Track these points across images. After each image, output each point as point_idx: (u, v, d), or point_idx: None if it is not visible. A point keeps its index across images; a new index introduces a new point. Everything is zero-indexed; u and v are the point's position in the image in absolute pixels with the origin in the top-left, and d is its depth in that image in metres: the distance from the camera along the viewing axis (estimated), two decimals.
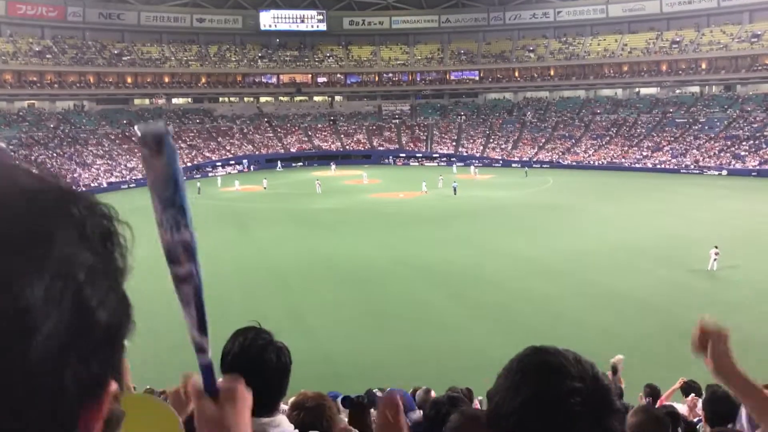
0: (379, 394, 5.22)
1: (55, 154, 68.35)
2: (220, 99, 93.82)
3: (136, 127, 1.19)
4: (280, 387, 2.35)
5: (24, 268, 0.60)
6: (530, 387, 1.18)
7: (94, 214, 0.69)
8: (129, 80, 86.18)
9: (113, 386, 0.70)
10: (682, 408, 8.54)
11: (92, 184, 63.74)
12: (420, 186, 54.83)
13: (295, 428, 2.59)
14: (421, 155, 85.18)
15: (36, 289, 0.60)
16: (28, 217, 0.63)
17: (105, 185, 64.07)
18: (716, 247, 26.95)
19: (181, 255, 1.23)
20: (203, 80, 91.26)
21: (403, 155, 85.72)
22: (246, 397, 1.36)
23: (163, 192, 1.18)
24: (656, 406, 8.19)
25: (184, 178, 1.19)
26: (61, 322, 0.61)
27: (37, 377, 0.60)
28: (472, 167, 70.78)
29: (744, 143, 68.69)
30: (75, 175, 64.09)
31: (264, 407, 2.27)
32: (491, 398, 1.26)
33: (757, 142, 67.99)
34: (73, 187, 0.66)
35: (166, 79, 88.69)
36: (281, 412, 2.46)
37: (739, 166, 64.84)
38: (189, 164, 75.66)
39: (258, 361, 2.28)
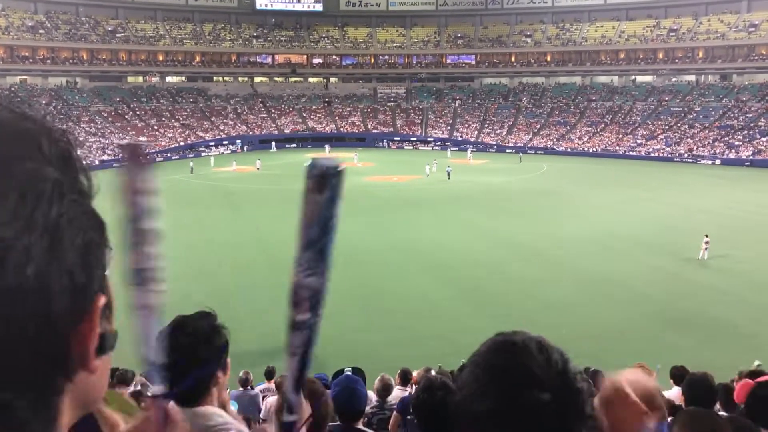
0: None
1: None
2: (215, 78, 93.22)
3: (308, 162, 1.17)
4: (208, 369, 2.25)
5: None
6: (496, 395, 1.12)
7: (51, 134, 0.68)
8: (123, 57, 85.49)
9: (102, 300, 0.70)
10: (673, 394, 8.53)
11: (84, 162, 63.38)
12: (423, 169, 54.63)
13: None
14: (415, 139, 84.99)
15: (5, 207, 0.60)
16: None
17: (97, 163, 63.68)
18: (707, 236, 27.03)
19: (304, 301, 1.20)
20: (197, 59, 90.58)
21: (398, 139, 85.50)
22: None
23: (309, 231, 1.15)
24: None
25: (336, 223, 1.16)
26: (34, 240, 0.61)
27: (21, 297, 0.60)
28: (468, 152, 70.66)
29: (738, 133, 68.80)
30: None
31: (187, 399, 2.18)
32: (458, 390, 1.21)
33: (751, 132, 68.12)
34: (27, 111, 0.66)
35: (160, 57, 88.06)
36: (270, 392, 2.41)
37: (732, 155, 64.98)
38: (182, 143, 75.29)
39: (187, 339, 2.20)
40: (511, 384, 1.12)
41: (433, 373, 8.80)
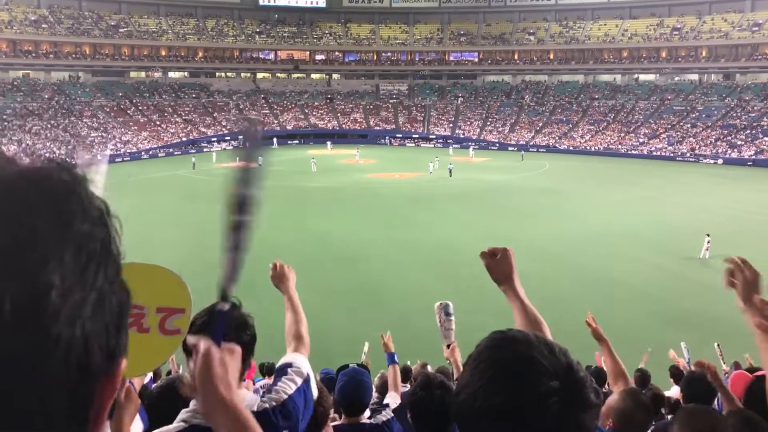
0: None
1: (49, 125, 67.89)
2: (217, 74, 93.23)
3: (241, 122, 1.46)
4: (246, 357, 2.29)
5: (49, 243, 0.62)
6: (505, 388, 1.11)
7: (95, 197, 0.71)
8: (125, 52, 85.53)
9: (124, 363, 0.71)
10: (672, 393, 8.56)
11: (86, 157, 63.46)
12: (425, 166, 54.66)
13: None
14: (417, 136, 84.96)
15: (62, 264, 0.62)
16: (45, 194, 0.64)
17: (99, 158, 63.67)
18: (708, 236, 27.03)
19: (243, 206, 1.46)
20: (200, 54, 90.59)
21: (400, 136, 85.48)
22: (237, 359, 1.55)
23: (244, 153, 1.43)
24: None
25: (263, 148, 1.49)
26: (85, 296, 0.63)
27: (68, 350, 0.61)
28: (470, 149, 70.68)
29: (741, 132, 68.69)
30: (69, 147, 63.74)
31: None
32: (461, 390, 1.19)
33: (753, 131, 68.00)
34: (77, 172, 0.69)
35: (163, 53, 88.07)
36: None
37: (735, 155, 64.89)
38: (184, 139, 75.32)
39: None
40: (520, 377, 1.11)
41: (429, 368, 8.82)
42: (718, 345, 10.81)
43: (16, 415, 0.60)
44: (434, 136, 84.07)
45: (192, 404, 2.22)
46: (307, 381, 2.45)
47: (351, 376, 4.30)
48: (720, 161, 64.08)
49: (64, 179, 0.66)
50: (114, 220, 0.72)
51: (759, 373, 3.75)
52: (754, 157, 63.41)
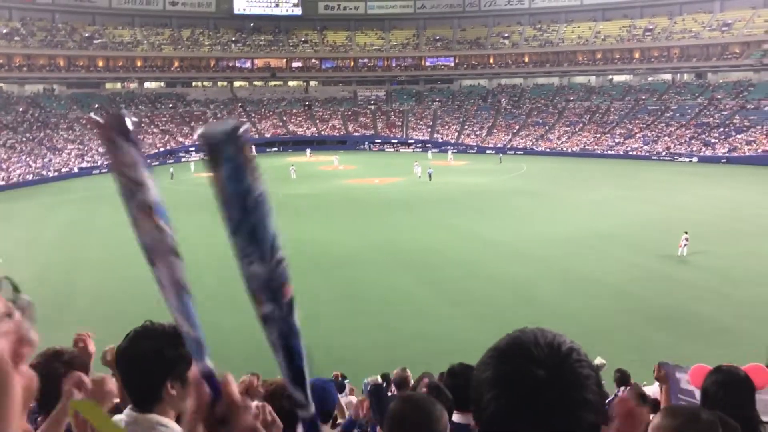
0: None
1: (24, 139, 67.12)
2: (194, 83, 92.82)
3: (200, 129, 1.05)
4: (153, 377, 2.32)
5: None
6: (495, 366, 1.20)
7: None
8: (100, 64, 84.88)
9: None
10: (653, 390, 8.70)
11: (63, 170, 62.85)
12: (404, 171, 54.90)
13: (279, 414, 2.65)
14: (396, 141, 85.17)
15: None
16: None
17: (76, 170, 63.24)
18: (686, 233, 27.45)
19: (259, 293, 1.11)
20: (176, 64, 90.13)
21: (379, 141, 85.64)
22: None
23: (227, 212, 1.05)
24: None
25: (261, 199, 1.04)
26: None
27: None
28: (449, 153, 71.01)
29: (714, 131, 69.70)
30: (46, 161, 63.08)
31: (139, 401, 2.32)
32: (472, 391, 1.25)
33: (726, 129, 69.04)
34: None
35: (139, 63, 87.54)
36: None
37: (709, 153, 65.82)
38: (162, 149, 74.88)
39: (130, 351, 2.32)
40: (508, 358, 1.20)
41: (408, 372, 8.87)
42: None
43: None
44: (413, 141, 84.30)
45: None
46: None
47: (316, 386, 4.32)
48: (695, 159, 64.95)
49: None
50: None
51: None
52: (727, 154, 64.37)
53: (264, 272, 1.09)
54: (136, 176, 1.15)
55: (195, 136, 1.04)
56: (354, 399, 9.35)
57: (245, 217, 1.03)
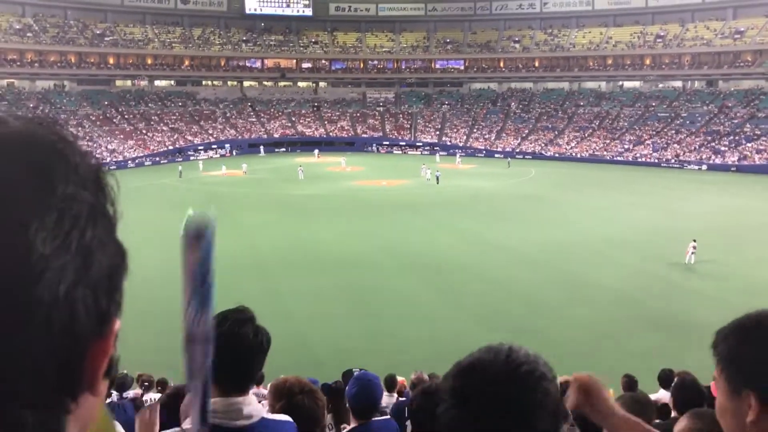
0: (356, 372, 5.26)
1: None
2: (204, 82, 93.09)
3: (184, 221, 1.20)
4: (252, 365, 2.36)
5: (31, 207, 0.61)
6: (452, 379, 1.28)
7: (86, 158, 0.71)
8: (111, 61, 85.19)
9: (117, 324, 0.71)
10: (661, 396, 8.62)
11: None
12: (412, 174, 54.92)
13: (289, 414, 2.72)
14: (404, 143, 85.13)
15: (43, 228, 0.61)
16: (28, 157, 0.64)
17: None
18: (694, 241, 27.30)
19: (196, 347, 1.26)
20: (186, 63, 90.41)
21: (387, 143, 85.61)
22: None
23: (191, 281, 1.21)
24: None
25: (213, 273, 1.21)
26: (69, 260, 0.63)
27: (51, 314, 0.61)
28: (457, 156, 70.95)
29: (724, 138, 69.39)
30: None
31: (236, 385, 2.32)
32: (439, 385, 1.37)
33: (737, 137, 68.71)
34: (65, 133, 0.68)
35: (149, 61, 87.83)
36: (260, 397, 2.51)
37: (718, 161, 65.50)
38: (171, 147, 75.10)
39: (233, 334, 2.29)
40: (459, 369, 1.28)
41: (425, 376, 8.85)
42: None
43: None
44: (421, 144, 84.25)
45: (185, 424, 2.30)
46: None
47: (363, 382, 4.37)
48: (704, 167, 64.65)
49: (50, 139, 0.65)
50: (110, 180, 0.73)
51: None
52: (737, 163, 64.05)
53: (206, 325, 1.26)
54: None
55: (184, 225, 1.19)
56: None
57: (203, 286, 1.22)
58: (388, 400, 8.71)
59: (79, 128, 72.35)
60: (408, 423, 4.30)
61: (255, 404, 2.38)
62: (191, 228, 1.19)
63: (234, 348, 2.24)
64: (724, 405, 1.45)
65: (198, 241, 1.18)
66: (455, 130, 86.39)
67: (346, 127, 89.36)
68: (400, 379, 10.29)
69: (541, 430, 1.20)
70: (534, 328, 18.34)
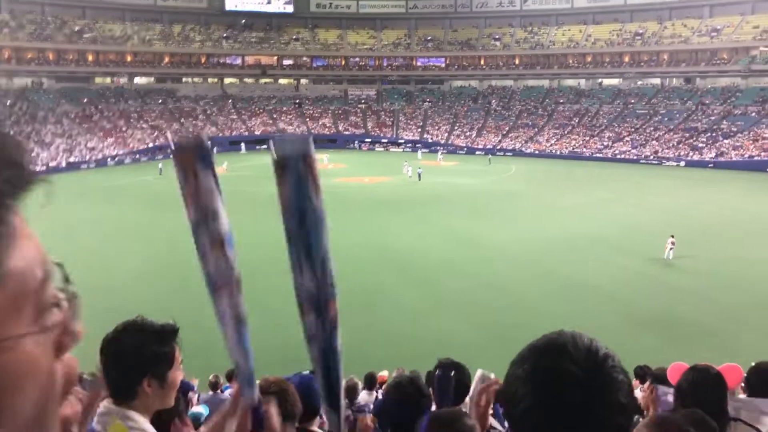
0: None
1: (12, 132, 66.40)
2: (184, 79, 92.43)
3: (271, 142, 1.06)
4: (131, 372, 2.33)
5: None
6: (531, 362, 1.19)
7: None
8: (90, 58, 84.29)
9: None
10: (637, 395, 8.76)
11: (51, 164, 62.42)
12: (397, 170, 55.02)
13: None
14: (386, 140, 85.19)
15: None
16: None
17: (64, 165, 62.80)
18: (672, 237, 27.67)
19: (306, 304, 1.11)
20: (166, 60, 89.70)
21: (369, 140, 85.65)
22: None
23: (286, 221, 1.05)
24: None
25: (319, 216, 1.04)
26: None
27: None
28: (439, 153, 71.16)
29: (702, 135, 70.24)
30: (33, 155, 62.55)
31: (114, 392, 2.35)
32: (506, 387, 1.24)
33: (714, 134, 69.59)
34: None
35: (129, 58, 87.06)
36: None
37: (696, 157, 66.30)
38: (151, 145, 74.54)
39: (114, 340, 2.33)
40: (546, 353, 1.19)
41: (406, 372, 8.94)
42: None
43: None
44: (403, 141, 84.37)
45: None
46: None
47: (300, 382, 4.36)
48: (682, 164, 65.42)
49: None
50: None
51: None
52: (714, 159, 64.86)
53: (312, 285, 1.10)
54: (212, 205, 1.12)
55: (269, 146, 1.04)
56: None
57: (302, 230, 1.05)
58: (367, 398, 8.80)
59: (58, 125, 71.61)
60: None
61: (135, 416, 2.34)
62: (276, 151, 1.02)
63: (112, 353, 2.30)
64: None
65: (285, 171, 1.01)
66: (437, 128, 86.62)
67: (327, 125, 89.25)
68: (382, 375, 10.40)
69: (617, 423, 1.15)
70: (515, 324, 18.50)
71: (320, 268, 1.10)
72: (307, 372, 4.98)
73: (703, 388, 3.45)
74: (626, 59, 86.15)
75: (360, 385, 8.98)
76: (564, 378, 1.14)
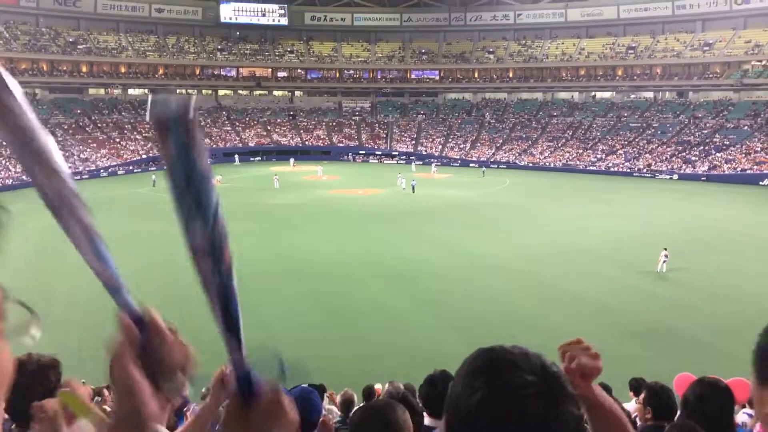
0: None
1: (3, 144, 66.32)
2: (178, 91, 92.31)
3: (150, 101, 1.02)
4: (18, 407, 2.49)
5: None
6: (483, 386, 1.16)
7: None
8: (84, 69, 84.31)
9: None
10: (631, 406, 8.73)
11: None
12: (389, 183, 55.04)
13: None
14: (380, 153, 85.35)
15: None
16: None
17: None
18: (665, 249, 27.69)
19: (198, 248, 1.11)
20: (161, 71, 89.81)
21: (363, 152, 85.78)
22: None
23: (174, 181, 1.05)
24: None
25: (203, 172, 1.04)
26: None
27: None
28: (433, 166, 71.29)
29: (694, 148, 70.57)
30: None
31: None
32: (447, 406, 1.22)
33: (706, 147, 69.92)
34: None
35: (123, 69, 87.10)
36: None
37: (689, 170, 66.56)
38: (144, 156, 74.45)
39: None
40: (495, 374, 1.17)
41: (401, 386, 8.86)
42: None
43: None
44: (397, 153, 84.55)
45: None
46: None
47: (299, 396, 4.29)
48: (675, 176, 65.66)
49: None
50: None
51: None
52: (707, 172, 65.13)
53: (206, 233, 1.09)
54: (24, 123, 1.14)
55: (148, 107, 1.01)
56: (334, 408, 9.32)
57: (190, 188, 1.04)
58: None
59: (52, 137, 71.32)
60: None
61: None
62: (155, 115, 0.99)
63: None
64: (755, 396, 1.44)
65: (167, 131, 0.99)
66: (431, 140, 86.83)
67: (322, 136, 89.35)
68: (377, 387, 10.32)
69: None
70: (508, 336, 18.41)
71: (213, 216, 1.08)
72: (306, 385, 4.92)
73: (711, 402, 3.39)
74: (619, 73, 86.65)
75: (355, 398, 8.89)
76: (520, 391, 1.14)
